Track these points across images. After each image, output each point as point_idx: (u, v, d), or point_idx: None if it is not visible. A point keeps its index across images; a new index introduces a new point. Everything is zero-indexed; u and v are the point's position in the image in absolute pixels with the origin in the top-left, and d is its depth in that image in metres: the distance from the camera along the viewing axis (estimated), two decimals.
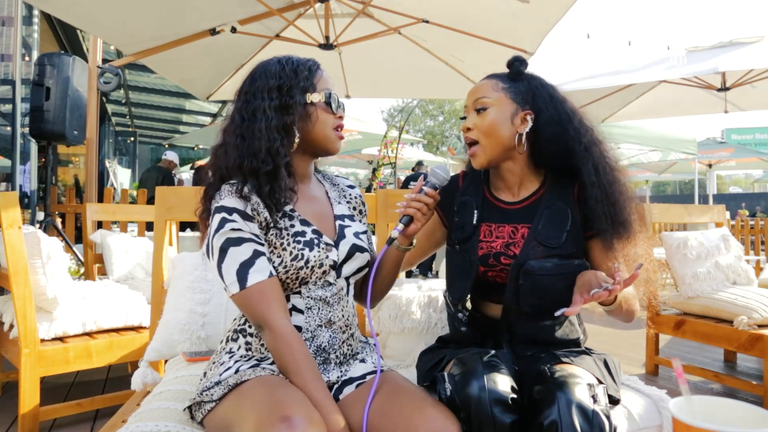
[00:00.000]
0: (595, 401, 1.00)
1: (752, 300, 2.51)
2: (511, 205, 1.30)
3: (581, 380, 1.03)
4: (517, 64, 1.31)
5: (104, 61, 4.95)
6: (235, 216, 1.05)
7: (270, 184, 1.09)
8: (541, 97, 1.27)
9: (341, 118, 1.19)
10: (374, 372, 1.15)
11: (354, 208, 1.30)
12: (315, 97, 1.14)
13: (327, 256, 1.12)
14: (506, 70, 1.33)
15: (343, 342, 1.15)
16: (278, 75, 1.13)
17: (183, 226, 4.84)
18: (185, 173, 11.17)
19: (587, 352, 1.24)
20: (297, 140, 1.13)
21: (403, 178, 8.96)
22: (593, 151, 1.25)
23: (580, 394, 0.99)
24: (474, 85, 1.33)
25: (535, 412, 1.00)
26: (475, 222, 1.29)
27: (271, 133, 1.09)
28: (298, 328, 1.10)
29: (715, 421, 0.75)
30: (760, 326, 2.44)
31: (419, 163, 8.59)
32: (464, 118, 1.32)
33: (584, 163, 1.23)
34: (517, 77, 1.30)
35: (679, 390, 0.84)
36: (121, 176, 11.85)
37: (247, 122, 1.11)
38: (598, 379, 1.12)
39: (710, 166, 11.42)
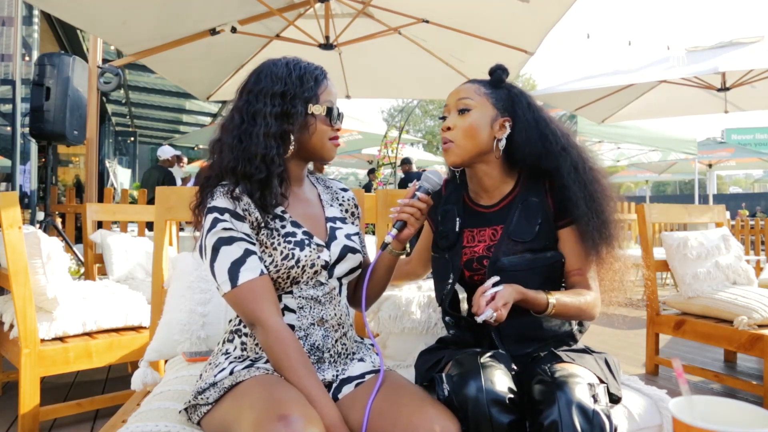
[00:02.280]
0: (595, 401, 1.00)
1: (752, 300, 2.51)
2: (489, 208, 1.34)
3: (581, 380, 1.03)
4: (499, 72, 1.34)
5: (104, 61, 4.96)
6: (227, 216, 1.07)
7: (261, 191, 1.10)
8: (519, 104, 1.31)
9: (338, 129, 1.20)
10: (373, 371, 1.15)
11: (346, 211, 1.31)
12: (316, 109, 1.15)
13: (318, 257, 1.13)
14: (487, 77, 1.36)
15: (337, 340, 1.15)
16: (284, 80, 1.13)
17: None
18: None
19: (587, 351, 1.25)
20: (293, 148, 1.15)
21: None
22: (571, 152, 1.28)
23: (581, 394, 1.00)
24: (456, 87, 1.35)
25: (535, 412, 1.00)
26: (457, 229, 1.33)
27: (269, 141, 1.10)
28: (291, 327, 1.11)
29: (715, 421, 0.75)
30: (760, 326, 2.44)
31: (406, 162, 7.96)
32: (443, 117, 1.34)
33: (562, 162, 1.26)
34: (498, 84, 1.34)
35: (679, 390, 0.84)
36: (121, 176, 11.84)
37: (246, 124, 1.12)
38: (599, 378, 1.12)
39: (710, 166, 11.42)
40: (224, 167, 1.11)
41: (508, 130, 1.29)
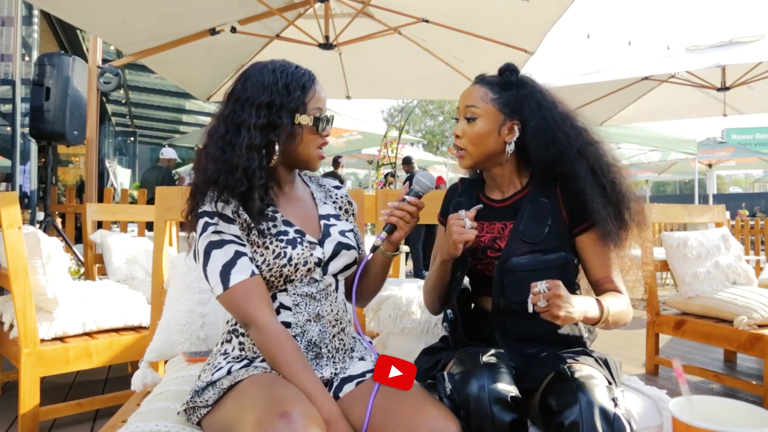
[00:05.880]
0: (615, 404, 0.99)
1: (752, 300, 2.51)
2: (499, 203, 1.34)
3: (599, 382, 1.03)
4: (507, 74, 1.31)
5: (104, 61, 4.95)
6: (217, 219, 1.08)
7: (244, 202, 1.10)
8: (528, 107, 1.27)
9: (327, 135, 1.20)
10: (374, 371, 1.15)
11: (340, 208, 1.32)
12: (303, 119, 1.14)
13: (311, 254, 1.13)
14: (497, 76, 1.33)
15: (334, 336, 1.16)
16: (270, 89, 1.12)
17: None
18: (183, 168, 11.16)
19: (589, 353, 1.24)
20: (276, 157, 1.14)
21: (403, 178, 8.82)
22: (588, 153, 1.25)
23: (601, 396, 0.99)
24: (467, 87, 1.34)
25: (551, 412, 1.00)
26: None
27: (251, 153, 1.09)
28: (287, 325, 1.11)
29: (715, 421, 0.75)
30: (760, 326, 2.44)
31: (407, 162, 7.65)
32: (457, 119, 1.33)
33: (579, 167, 1.23)
34: (507, 86, 1.30)
35: (679, 390, 0.84)
36: (121, 176, 11.81)
37: (230, 134, 1.11)
38: (607, 380, 1.12)
39: (710, 166, 11.43)
40: (207, 178, 1.10)
41: (517, 134, 1.27)
